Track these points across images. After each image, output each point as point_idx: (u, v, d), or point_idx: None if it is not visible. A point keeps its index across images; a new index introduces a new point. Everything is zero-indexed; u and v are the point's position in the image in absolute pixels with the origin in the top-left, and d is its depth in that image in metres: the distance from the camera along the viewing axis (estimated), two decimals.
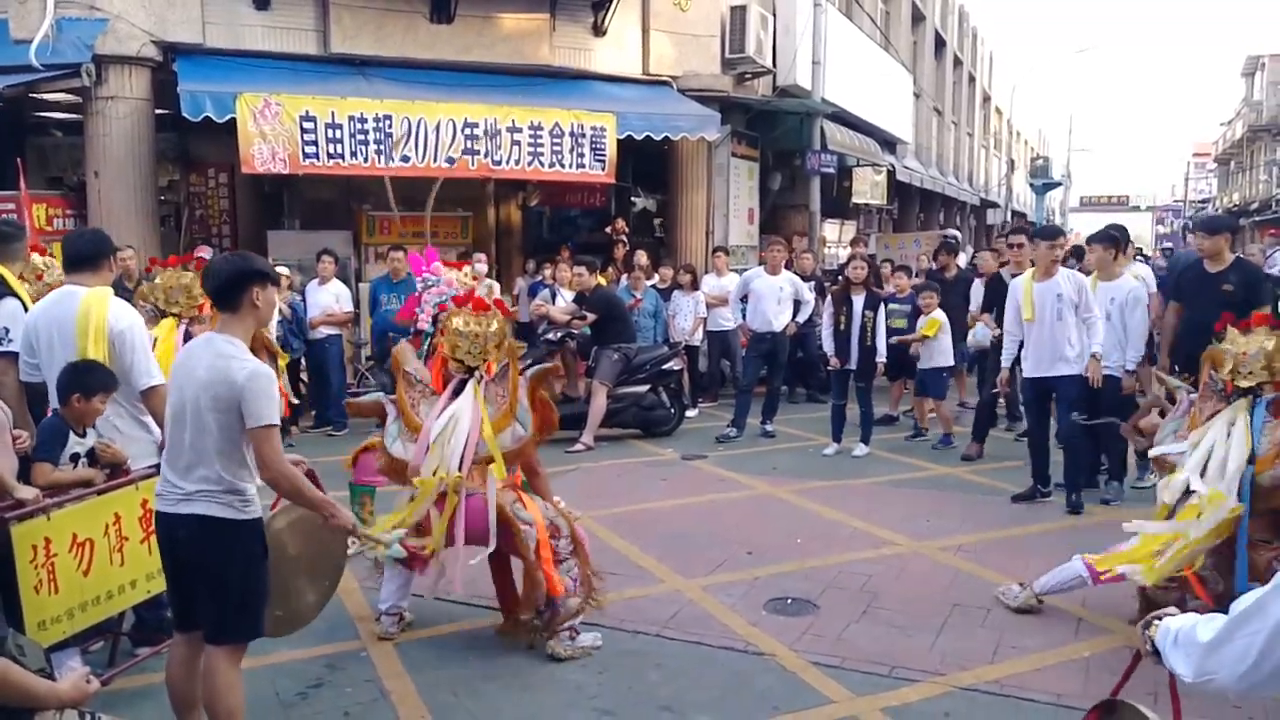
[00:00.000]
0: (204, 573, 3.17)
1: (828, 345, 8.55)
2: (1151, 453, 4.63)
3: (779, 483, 7.58)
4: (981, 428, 8.52)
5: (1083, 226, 45.92)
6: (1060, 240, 6.98)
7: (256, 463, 3.15)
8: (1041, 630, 4.69)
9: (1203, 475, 4.13)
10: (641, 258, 11.09)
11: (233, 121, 9.31)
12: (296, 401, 7.79)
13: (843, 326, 8.37)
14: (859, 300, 8.31)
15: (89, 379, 3.90)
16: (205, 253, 10.25)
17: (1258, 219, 38.72)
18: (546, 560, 4.31)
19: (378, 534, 3.46)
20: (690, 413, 10.20)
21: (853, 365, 8.39)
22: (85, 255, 4.30)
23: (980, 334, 9.17)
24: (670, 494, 7.26)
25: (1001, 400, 8.20)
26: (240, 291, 3.21)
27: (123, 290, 8.98)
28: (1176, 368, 6.97)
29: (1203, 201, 59.79)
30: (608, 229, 13.58)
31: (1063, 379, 6.64)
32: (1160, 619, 2.07)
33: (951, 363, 9.39)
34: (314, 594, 3.84)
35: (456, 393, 4.50)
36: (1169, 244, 31.29)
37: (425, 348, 6.12)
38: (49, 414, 4.07)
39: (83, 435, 4.00)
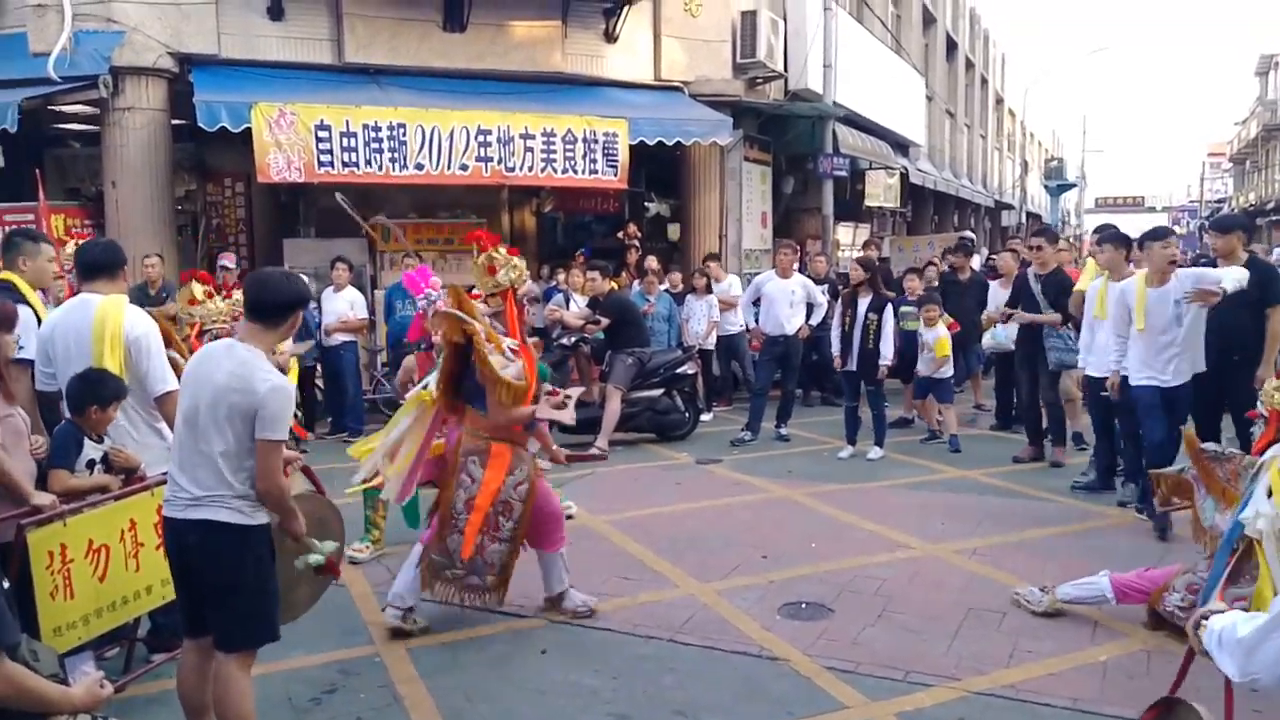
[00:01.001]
0: (214, 579, 3.19)
1: (834, 346, 8.58)
2: (1206, 525, 4.55)
3: (794, 486, 7.56)
4: (1059, 429, 8.28)
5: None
6: (1173, 239, 6.41)
7: (256, 472, 3.17)
8: (1057, 634, 4.64)
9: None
10: (652, 262, 11.07)
11: (248, 131, 9.39)
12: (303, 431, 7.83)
13: (847, 328, 8.37)
14: (864, 302, 8.29)
15: (102, 389, 3.93)
16: (229, 260, 10.35)
17: (1274, 218, 38.47)
18: (471, 522, 4.50)
19: (311, 542, 3.49)
20: (705, 416, 10.19)
21: (853, 367, 8.37)
22: (101, 264, 4.34)
23: (1000, 335, 9.13)
24: (685, 498, 7.25)
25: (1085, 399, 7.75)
26: (290, 313, 3.31)
27: (146, 298, 9.08)
28: None
29: (1218, 201, 59.39)
30: (620, 234, 13.60)
31: (1181, 388, 6.24)
32: (1208, 618, 2.04)
33: (952, 373, 9.37)
34: (307, 585, 3.84)
35: None
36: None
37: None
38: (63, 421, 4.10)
39: (98, 441, 4.03)
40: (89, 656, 3.79)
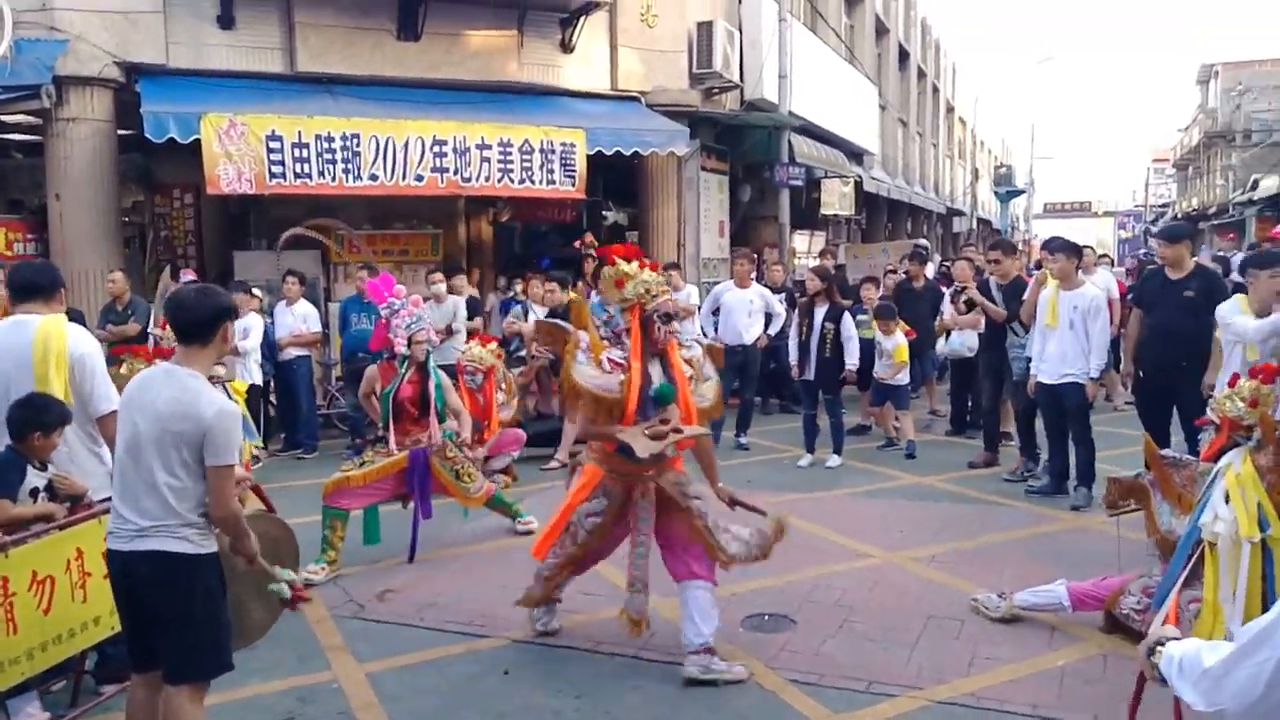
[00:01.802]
0: (165, 611, 3.10)
1: (792, 355, 8.62)
2: (1163, 529, 4.63)
3: (753, 495, 7.49)
4: (1028, 441, 8.05)
5: (1047, 233, 46.54)
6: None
7: (210, 499, 3.10)
8: (1015, 641, 4.69)
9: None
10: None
11: (197, 142, 9.21)
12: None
13: (804, 337, 8.42)
14: (820, 311, 8.35)
15: (47, 415, 3.82)
16: (191, 276, 10.17)
17: (1215, 222, 39.43)
18: (550, 527, 4.58)
19: (275, 570, 3.42)
20: None
21: (810, 376, 8.41)
22: (39, 285, 4.23)
23: (956, 342, 9.22)
24: None
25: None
26: (216, 327, 3.21)
27: (114, 314, 8.92)
28: (1141, 374, 7.06)
29: (1162, 206, 60.78)
30: (576, 243, 13.53)
31: None
32: (1163, 644, 2.00)
33: (909, 380, 9.46)
34: (263, 610, 3.76)
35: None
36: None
37: (401, 372, 6.06)
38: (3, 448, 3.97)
39: (42, 469, 3.91)
40: (33, 697, 3.68)
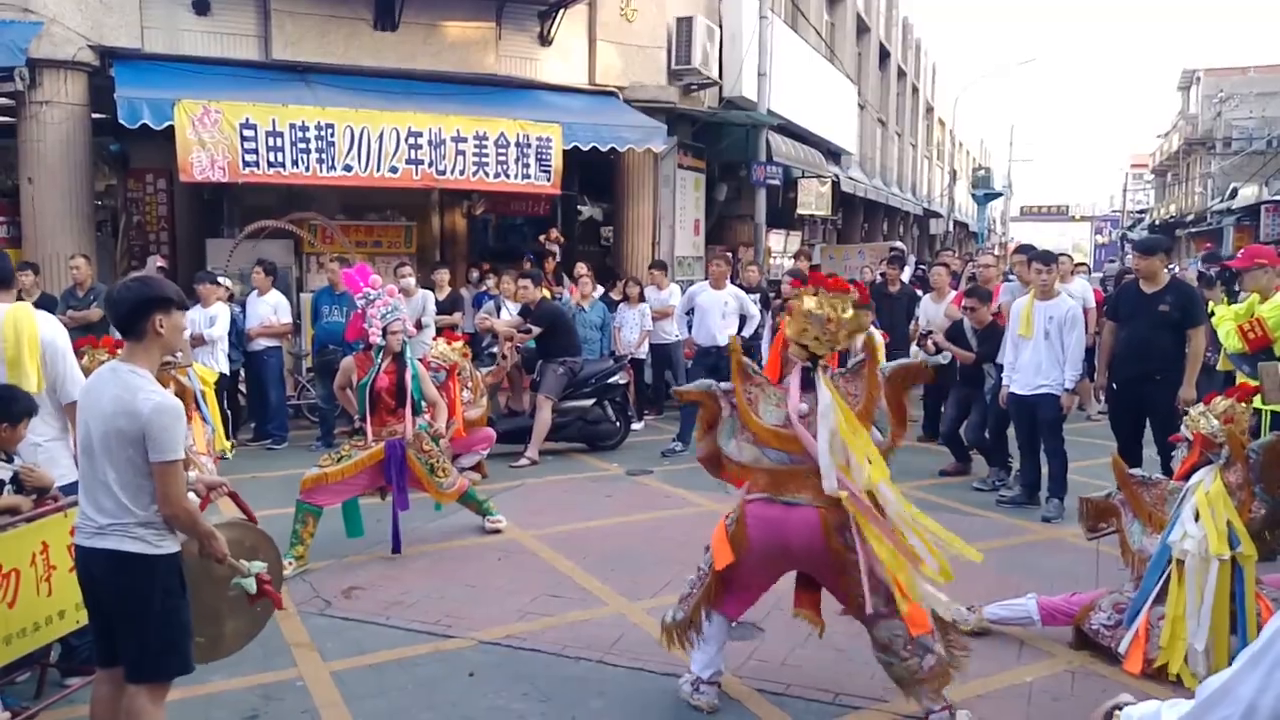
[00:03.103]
0: (121, 609, 3.09)
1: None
2: (1134, 548, 4.68)
3: (724, 500, 7.49)
4: (999, 452, 8.03)
5: (1023, 236, 46.96)
6: None
7: (157, 497, 3.05)
8: (983, 655, 4.65)
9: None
10: (582, 268, 11.00)
11: (172, 127, 9.12)
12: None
13: None
14: None
15: (13, 406, 3.80)
16: (161, 263, 10.10)
17: (1193, 230, 39.78)
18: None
19: (240, 563, 3.38)
20: (635, 426, 10.19)
21: None
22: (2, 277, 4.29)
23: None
24: (615, 511, 7.22)
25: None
26: (143, 319, 3.11)
27: (74, 300, 8.84)
28: (1114, 385, 7.10)
29: (1140, 212, 61.24)
30: (540, 238, 13.48)
31: None
32: (1120, 708, 1.93)
33: None
34: (240, 620, 3.73)
35: (805, 385, 3.93)
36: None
37: (377, 362, 6.03)
38: None
39: (8, 461, 3.87)
40: None
